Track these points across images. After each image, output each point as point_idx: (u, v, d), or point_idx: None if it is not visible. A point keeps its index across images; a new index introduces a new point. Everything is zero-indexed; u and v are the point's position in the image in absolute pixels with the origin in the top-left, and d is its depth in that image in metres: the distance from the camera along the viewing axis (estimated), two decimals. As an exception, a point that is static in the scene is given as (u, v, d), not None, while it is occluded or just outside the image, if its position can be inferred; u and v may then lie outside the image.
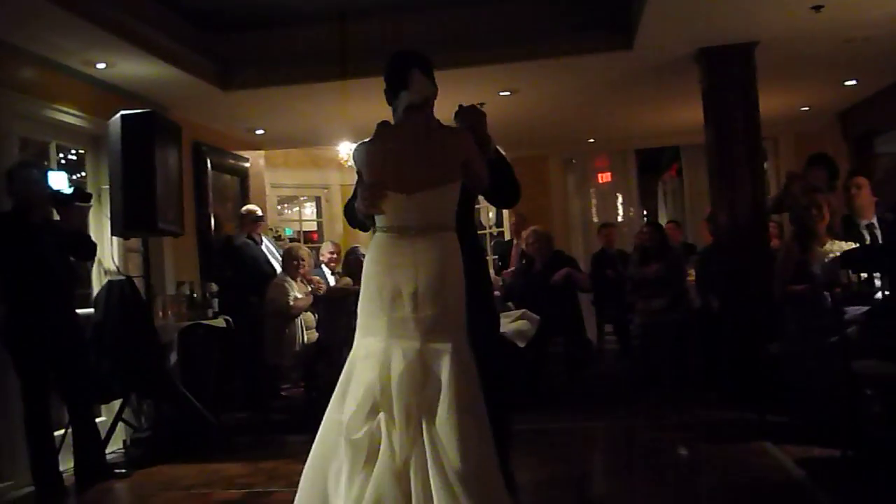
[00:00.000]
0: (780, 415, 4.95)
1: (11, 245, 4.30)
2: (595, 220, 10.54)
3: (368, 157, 2.90)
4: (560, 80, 6.76)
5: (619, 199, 10.79)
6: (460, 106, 3.29)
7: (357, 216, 3.04)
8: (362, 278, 2.92)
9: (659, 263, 6.96)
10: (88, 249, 4.75)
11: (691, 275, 7.27)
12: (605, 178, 10.81)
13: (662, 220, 10.53)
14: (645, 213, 11.55)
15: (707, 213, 7.27)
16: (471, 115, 3.25)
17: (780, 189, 6.00)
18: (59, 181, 4.66)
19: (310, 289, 6.52)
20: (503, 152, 3.47)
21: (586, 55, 6.02)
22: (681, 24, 5.40)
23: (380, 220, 2.89)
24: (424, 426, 2.64)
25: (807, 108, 8.61)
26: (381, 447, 2.65)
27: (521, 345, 6.13)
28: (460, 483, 2.53)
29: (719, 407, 5.70)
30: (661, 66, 6.33)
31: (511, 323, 6.32)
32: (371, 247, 2.91)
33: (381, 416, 2.70)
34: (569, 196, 10.54)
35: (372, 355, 2.76)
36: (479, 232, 8.25)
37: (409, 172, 2.82)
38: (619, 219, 10.58)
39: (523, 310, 6.47)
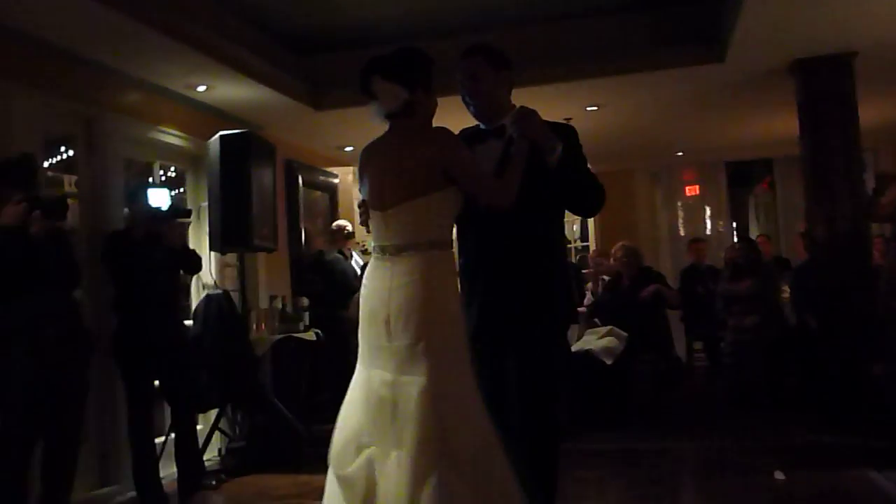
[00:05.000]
0: (884, 439, 4.74)
1: (119, 260, 4.53)
2: (682, 233, 10.34)
3: (358, 173, 2.80)
4: (648, 94, 6.69)
5: (707, 213, 10.56)
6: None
7: None
8: None
9: (751, 279, 6.79)
10: (196, 263, 4.95)
11: (785, 291, 7.05)
12: (692, 191, 10.60)
13: (753, 235, 10.25)
14: (734, 224, 11.25)
15: (802, 228, 7.04)
16: (520, 120, 2.78)
17: (871, 192, 5.63)
18: (159, 198, 4.86)
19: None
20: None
21: (676, 68, 5.93)
22: (775, 36, 5.26)
23: None
24: (395, 457, 2.51)
25: (909, 118, 8.26)
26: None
27: (609, 362, 6.06)
28: None
29: (818, 430, 5.48)
30: (753, 79, 6.19)
31: (598, 340, 6.27)
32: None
33: (371, 449, 2.58)
34: (656, 210, 10.36)
35: (358, 385, 2.69)
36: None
37: (383, 188, 2.65)
38: (707, 232, 10.34)
39: (610, 326, 6.40)
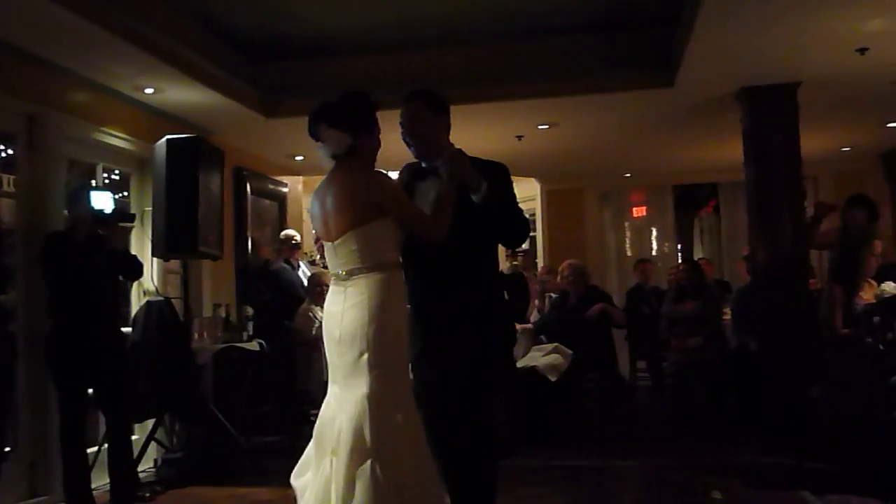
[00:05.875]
0: (819, 461, 4.85)
1: (57, 263, 4.39)
2: (629, 254, 10.48)
3: (310, 212, 3.06)
4: (600, 115, 6.78)
5: (654, 234, 10.73)
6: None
7: None
8: None
9: (695, 302, 6.91)
10: (137, 269, 4.83)
11: (726, 313, 7.19)
12: (639, 212, 10.76)
13: (697, 257, 10.45)
14: (679, 246, 11.45)
15: (745, 252, 7.19)
16: (449, 160, 3.05)
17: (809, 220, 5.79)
18: (103, 201, 4.73)
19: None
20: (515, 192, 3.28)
21: (627, 91, 6.03)
22: (724, 64, 5.39)
23: None
24: (332, 463, 2.74)
25: (848, 149, 8.54)
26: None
27: (553, 379, 6.09)
28: None
29: (755, 450, 5.58)
30: (701, 104, 6.33)
31: (543, 356, 6.30)
32: None
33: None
34: (604, 230, 10.50)
35: (325, 402, 2.93)
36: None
37: (329, 221, 2.92)
38: (654, 253, 10.51)
39: (556, 343, 6.44)
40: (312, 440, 2.91)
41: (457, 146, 3.13)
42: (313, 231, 3.12)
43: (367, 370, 2.77)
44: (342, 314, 2.85)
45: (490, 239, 3.23)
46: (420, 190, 3.13)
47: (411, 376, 2.97)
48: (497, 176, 3.13)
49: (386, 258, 2.90)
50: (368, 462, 2.67)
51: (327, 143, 2.93)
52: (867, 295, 4.79)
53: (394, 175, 3.17)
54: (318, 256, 7.09)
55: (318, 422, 2.90)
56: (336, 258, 2.92)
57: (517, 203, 3.28)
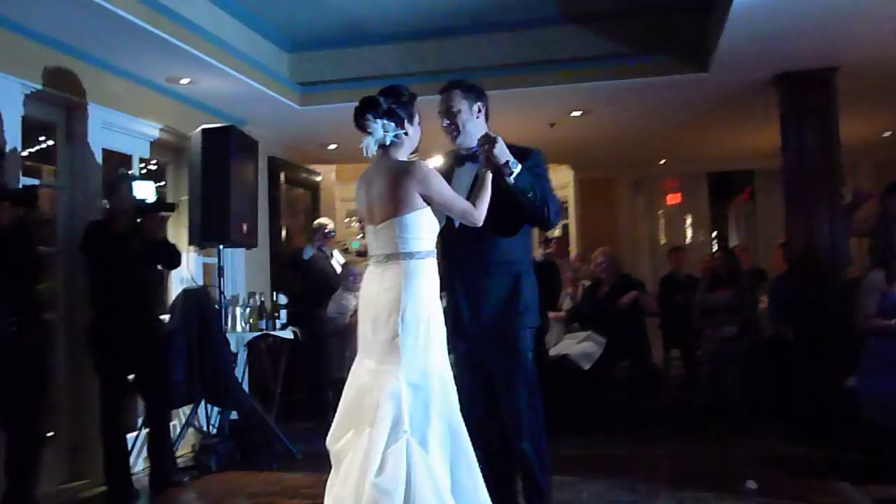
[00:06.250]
0: (856, 452, 4.78)
1: (98, 252, 4.48)
2: (662, 242, 10.40)
3: (356, 194, 3.22)
4: (633, 101, 6.72)
5: (688, 222, 10.63)
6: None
7: None
8: None
9: (729, 290, 6.84)
10: (175, 258, 4.91)
11: (763, 301, 7.10)
12: (673, 199, 10.67)
13: (732, 245, 10.33)
14: (715, 234, 11.32)
15: (781, 240, 7.10)
16: (482, 146, 3.21)
17: (847, 207, 5.72)
18: (144, 191, 4.82)
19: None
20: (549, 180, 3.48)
21: (661, 77, 5.97)
22: (759, 49, 5.30)
23: None
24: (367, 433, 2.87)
25: (888, 134, 8.37)
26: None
27: (586, 367, 6.08)
28: (370, 490, 2.73)
29: (791, 441, 5.53)
30: (737, 90, 6.24)
31: (577, 344, 6.28)
32: None
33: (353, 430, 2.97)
34: (637, 218, 10.42)
35: (353, 372, 3.09)
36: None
37: (373, 207, 3.08)
38: (688, 241, 10.42)
39: (589, 331, 6.41)
40: (342, 405, 3.04)
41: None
42: (346, 220, 3.30)
43: (400, 352, 2.90)
44: (378, 295, 3.00)
45: (521, 221, 3.39)
46: (457, 176, 3.30)
47: (447, 356, 3.06)
48: (531, 161, 3.31)
49: (423, 245, 3.02)
50: (404, 438, 2.80)
51: (374, 133, 3.03)
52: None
53: (428, 163, 3.27)
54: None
55: (351, 391, 3.03)
56: (377, 241, 3.06)
57: (551, 187, 3.43)
